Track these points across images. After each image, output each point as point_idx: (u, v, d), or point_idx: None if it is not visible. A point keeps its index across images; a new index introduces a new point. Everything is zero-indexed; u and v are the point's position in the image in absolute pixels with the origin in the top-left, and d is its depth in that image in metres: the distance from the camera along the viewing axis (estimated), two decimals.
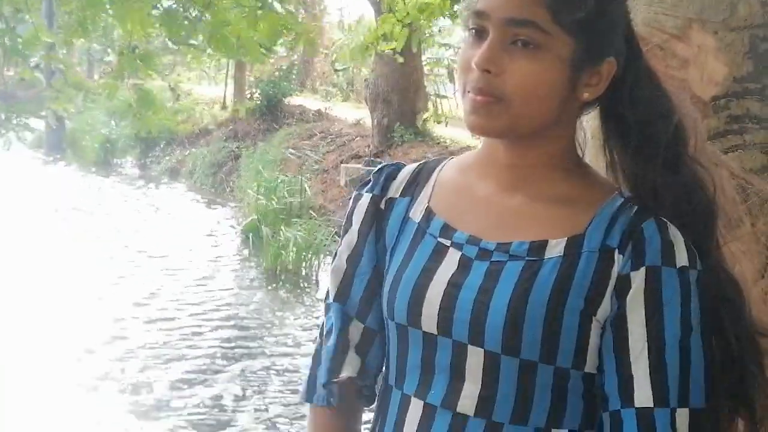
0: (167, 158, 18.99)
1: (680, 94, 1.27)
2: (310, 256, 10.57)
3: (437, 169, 1.27)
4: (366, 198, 1.29)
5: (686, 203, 1.13)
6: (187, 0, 4.72)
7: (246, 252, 11.83)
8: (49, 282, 9.26)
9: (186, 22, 4.89)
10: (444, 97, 18.94)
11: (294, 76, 21.22)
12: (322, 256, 10.55)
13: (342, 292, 1.29)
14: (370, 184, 1.30)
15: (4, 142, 5.76)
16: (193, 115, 20.63)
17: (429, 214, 1.22)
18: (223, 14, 4.57)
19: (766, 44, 1.55)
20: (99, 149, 19.81)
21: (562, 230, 1.13)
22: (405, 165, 1.31)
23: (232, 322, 8.64)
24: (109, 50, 19.29)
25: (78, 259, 10.63)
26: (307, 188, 13.08)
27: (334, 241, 10.44)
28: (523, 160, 1.17)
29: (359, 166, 10.49)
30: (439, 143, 13.26)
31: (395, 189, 1.27)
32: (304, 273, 10.58)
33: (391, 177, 1.29)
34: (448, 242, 1.18)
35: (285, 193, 12.77)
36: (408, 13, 6.39)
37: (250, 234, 11.82)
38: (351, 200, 1.32)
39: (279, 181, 13.14)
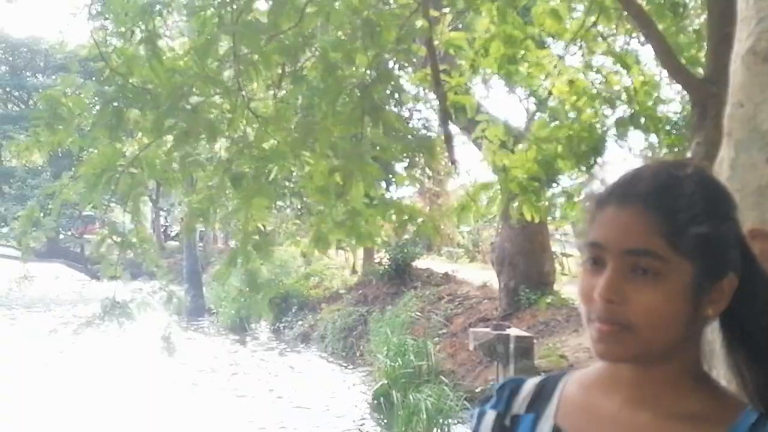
0: (299, 323, 19.45)
1: None
2: (441, 422, 10.51)
3: (560, 385, 1.28)
4: (491, 415, 1.29)
5: None
6: (320, 195, 5.04)
7: (377, 417, 11.87)
8: None
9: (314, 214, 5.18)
10: (570, 255, 18.88)
11: (420, 240, 21.67)
12: (452, 422, 10.47)
13: None
14: (494, 400, 1.30)
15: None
16: (324, 280, 21.24)
17: None
18: (357, 203, 4.86)
19: None
20: (235, 315, 20.51)
21: None
22: (526, 379, 1.33)
23: None
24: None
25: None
26: (435, 352, 13.11)
27: (465, 408, 10.37)
28: (649, 378, 1.17)
29: (487, 330, 10.46)
30: (566, 306, 13.14)
31: (519, 405, 1.27)
32: None
33: (515, 392, 1.29)
34: None
35: (413, 357, 12.83)
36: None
37: (381, 398, 11.89)
38: (474, 417, 1.32)
39: (407, 344, 13.24)
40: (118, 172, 5.49)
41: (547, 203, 6.54)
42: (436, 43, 5.62)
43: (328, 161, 5.22)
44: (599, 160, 6.07)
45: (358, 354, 16.26)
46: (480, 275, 17.43)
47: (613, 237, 1.12)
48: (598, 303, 1.12)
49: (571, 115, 6.50)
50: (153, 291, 6.56)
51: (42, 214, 6.45)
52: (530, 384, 1.30)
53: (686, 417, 1.15)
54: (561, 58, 6.46)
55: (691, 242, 1.10)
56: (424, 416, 10.48)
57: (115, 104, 5.13)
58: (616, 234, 1.12)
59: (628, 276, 1.11)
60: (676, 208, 1.10)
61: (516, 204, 6.21)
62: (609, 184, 1.17)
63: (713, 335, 1.23)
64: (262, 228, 5.98)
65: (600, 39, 6.49)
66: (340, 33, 5.05)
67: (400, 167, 11.02)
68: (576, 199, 6.50)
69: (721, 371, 1.24)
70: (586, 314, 1.16)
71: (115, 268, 5.98)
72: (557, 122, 6.53)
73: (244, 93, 4.91)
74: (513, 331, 9.77)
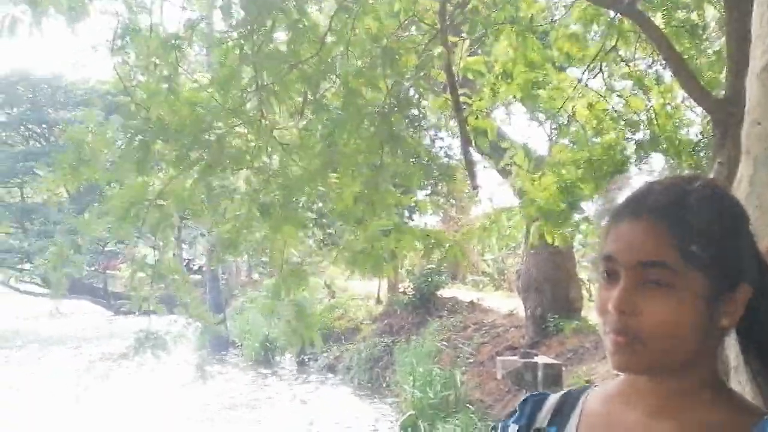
0: (324, 354, 19.40)
1: None
2: None
3: (581, 399, 1.29)
4: (513, 429, 1.31)
5: None
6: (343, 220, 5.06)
7: None
8: None
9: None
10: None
11: (444, 268, 21.58)
12: None
13: None
14: (517, 414, 1.33)
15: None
16: (348, 311, 21.18)
17: None
18: (374, 230, 4.86)
19: None
20: (259, 347, 20.49)
21: None
22: (549, 394, 1.34)
23: None
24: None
25: None
26: (463, 381, 13.01)
27: None
28: (669, 389, 1.18)
29: (515, 358, 10.39)
30: (594, 332, 13.01)
31: (542, 419, 1.30)
32: None
33: (538, 407, 1.32)
34: None
35: (440, 386, 12.74)
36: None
37: (408, 430, 11.80)
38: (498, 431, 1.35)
39: (434, 374, 13.15)
40: (145, 205, 5.54)
41: (570, 228, 6.50)
42: (454, 68, 5.65)
43: (351, 188, 5.25)
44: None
45: (384, 385, 16.17)
46: (506, 303, 17.32)
47: (625, 250, 1.15)
48: (612, 315, 1.14)
49: (596, 139, 6.50)
50: (188, 323, 6.56)
51: (71, 251, 6.46)
52: (553, 399, 1.33)
53: (706, 426, 1.16)
54: (580, 81, 6.46)
55: (702, 253, 1.11)
56: None
57: (140, 138, 5.19)
58: (628, 247, 1.15)
59: (640, 288, 1.13)
60: (686, 220, 1.13)
61: (534, 229, 6.20)
62: (623, 199, 1.20)
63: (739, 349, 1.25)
64: (295, 253, 6.02)
65: (621, 62, 6.49)
66: (359, 61, 5.10)
67: (422, 194, 11.02)
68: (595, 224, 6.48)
69: (747, 387, 1.26)
70: (601, 327, 1.18)
71: (148, 302, 6.01)
72: (579, 146, 6.53)
73: (267, 122, 4.95)
74: (541, 359, 9.72)
